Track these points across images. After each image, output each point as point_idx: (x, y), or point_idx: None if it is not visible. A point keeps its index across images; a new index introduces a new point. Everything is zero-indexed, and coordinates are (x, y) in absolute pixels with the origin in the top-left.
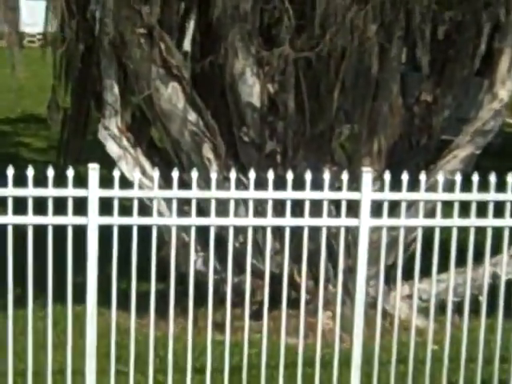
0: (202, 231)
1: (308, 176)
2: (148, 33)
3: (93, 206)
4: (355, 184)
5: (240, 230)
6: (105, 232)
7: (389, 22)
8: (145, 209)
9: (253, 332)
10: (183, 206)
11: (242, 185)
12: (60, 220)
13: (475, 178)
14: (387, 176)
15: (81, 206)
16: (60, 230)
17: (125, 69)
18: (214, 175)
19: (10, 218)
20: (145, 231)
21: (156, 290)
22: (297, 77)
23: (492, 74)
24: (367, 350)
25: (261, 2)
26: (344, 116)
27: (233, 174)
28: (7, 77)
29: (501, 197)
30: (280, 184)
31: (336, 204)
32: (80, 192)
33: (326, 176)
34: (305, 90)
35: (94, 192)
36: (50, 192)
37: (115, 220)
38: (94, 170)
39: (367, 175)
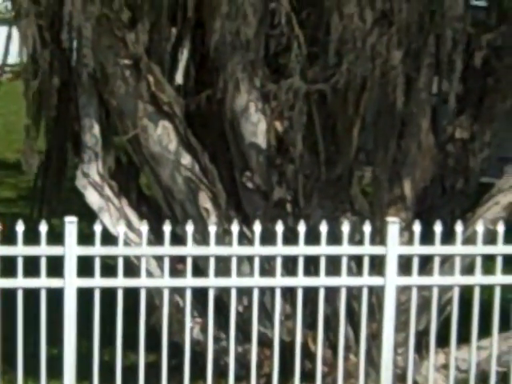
0: (200, 294)
1: (324, 228)
2: (134, 64)
3: (70, 266)
4: (379, 237)
5: (244, 292)
6: (85, 295)
7: (416, 48)
8: (132, 268)
9: None
10: (177, 265)
11: (245, 239)
12: (32, 283)
13: None
14: (417, 227)
15: (57, 266)
16: (33, 294)
17: (107, 106)
18: (212, 228)
19: None
20: (132, 294)
21: (146, 362)
22: (309, 113)
23: None
24: None
25: (266, 27)
26: (365, 157)
27: (235, 227)
28: None
29: None
30: (291, 238)
31: (357, 260)
32: (55, 250)
33: (345, 228)
34: (319, 128)
35: (71, 250)
36: (21, 250)
37: (97, 282)
38: (71, 224)
39: (393, 226)
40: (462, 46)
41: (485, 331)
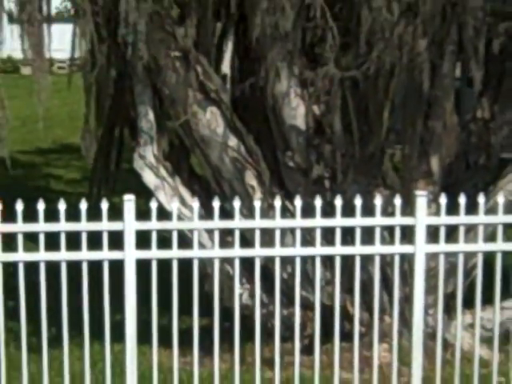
0: (247, 263)
1: (358, 201)
2: (183, 56)
3: (129, 240)
4: (409, 208)
5: (287, 261)
6: (143, 266)
7: (440, 37)
8: (185, 240)
9: (304, 367)
10: (226, 237)
11: (288, 213)
12: (95, 255)
13: None
14: (443, 199)
15: (117, 240)
16: (95, 266)
17: (160, 94)
18: (257, 203)
19: (42, 255)
20: (186, 264)
21: (199, 325)
22: (343, 97)
23: None
24: (430, 382)
25: (302, 20)
26: (395, 136)
27: (278, 202)
28: (35, 106)
29: None
30: (329, 211)
31: (389, 230)
32: (115, 225)
33: (378, 201)
34: (352, 111)
35: (130, 225)
36: (84, 226)
37: (154, 254)
38: (129, 202)
39: (422, 199)
40: (483, 34)
41: (507, 293)
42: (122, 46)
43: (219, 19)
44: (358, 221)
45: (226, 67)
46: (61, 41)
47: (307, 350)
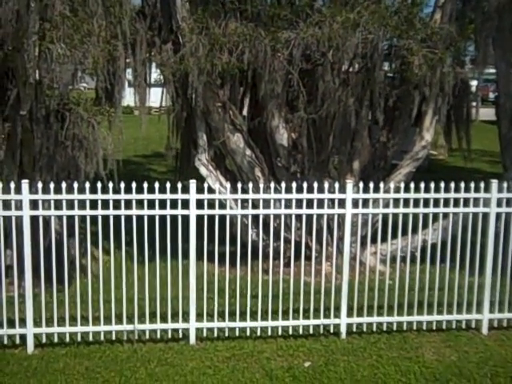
0: (255, 217)
1: (315, 185)
2: (222, 105)
3: (193, 204)
4: (342, 189)
5: (277, 216)
6: (199, 220)
7: (360, 97)
8: (223, 205)
9: (285, 274)
10: (244, 203)
11: (277, 191)
12: (173, 212)
13: (411, 185)
14: (361, 184)
15: (186, 204)
16: (173, 219)
17: (209, 126)
18: (261, 186)
19: (145, 211)
20: (221, 217)
21: (230, 251)
22: (308, 129)
23: (421, 125)
24: (351, 284)
25: (286, 87)
26: (335, 150)
27: (272, 185)
28: (141, 131)
29: (425, 196)
30: (299, 190)
31: (332, 201)
32: (185, 196)
33: (326, 185)
34: (313, 137)
35: (193, 196)
36: (169, 196)
37: (205, 212)
38: (193, 183)
39: (349, 184)
40: (383, 96)
41: (394, 235)
42: (189, 99)
43: (242, 85)
44: (315, 195)
45: (245, 112)
46: (156, 97)
47: (287, 264)
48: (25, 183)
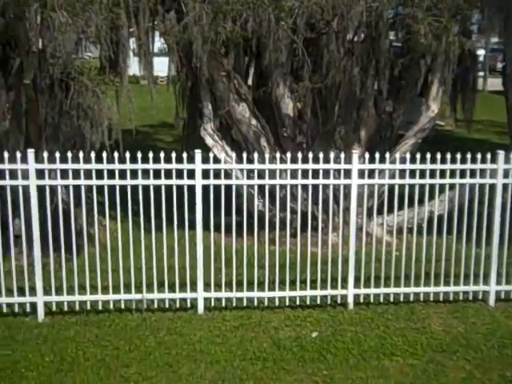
0: (261, 187)
1: (321, 155)
2: (227, 74)
3: (198, 174)
4: (348, 160)
5: (283, 186)
6: (204, 189)
7: (366, 66)
8: (229, 174)
9: (291, 245)
10: (250, 174)
11: (283, 161)
12: (178, 182)
13: (417, 156)
14: (367, 155)
15: (192, 174)
16: (179, 188)
17: (214, 95)
18: (267, 156)
19: (151, 181)
20: (227, 188)
21: (236, 221)
22: (313, 98)
23: (427, 95)
24: (358, 254)
25: (291, 56)
26: (341, 120)
27: (278, 155)
28: (148, 102)
29: (431, 167)
30: (304, 160)
31: (338, 171)
32: (191, 166)
33: (331, 155)
34: (318, 106)
35: (198, 166)
36: (175, 166)
37: (211, 182)
38: (198, 153)
39: (355, 155)
40: (388, 65)
41: (400, 207)
42: (193, 68)
43: (246, 54)
44: (321, 166)
45: (250, 81)
46: (162, 66)
47: (293, 235)
48: (31, 152)
